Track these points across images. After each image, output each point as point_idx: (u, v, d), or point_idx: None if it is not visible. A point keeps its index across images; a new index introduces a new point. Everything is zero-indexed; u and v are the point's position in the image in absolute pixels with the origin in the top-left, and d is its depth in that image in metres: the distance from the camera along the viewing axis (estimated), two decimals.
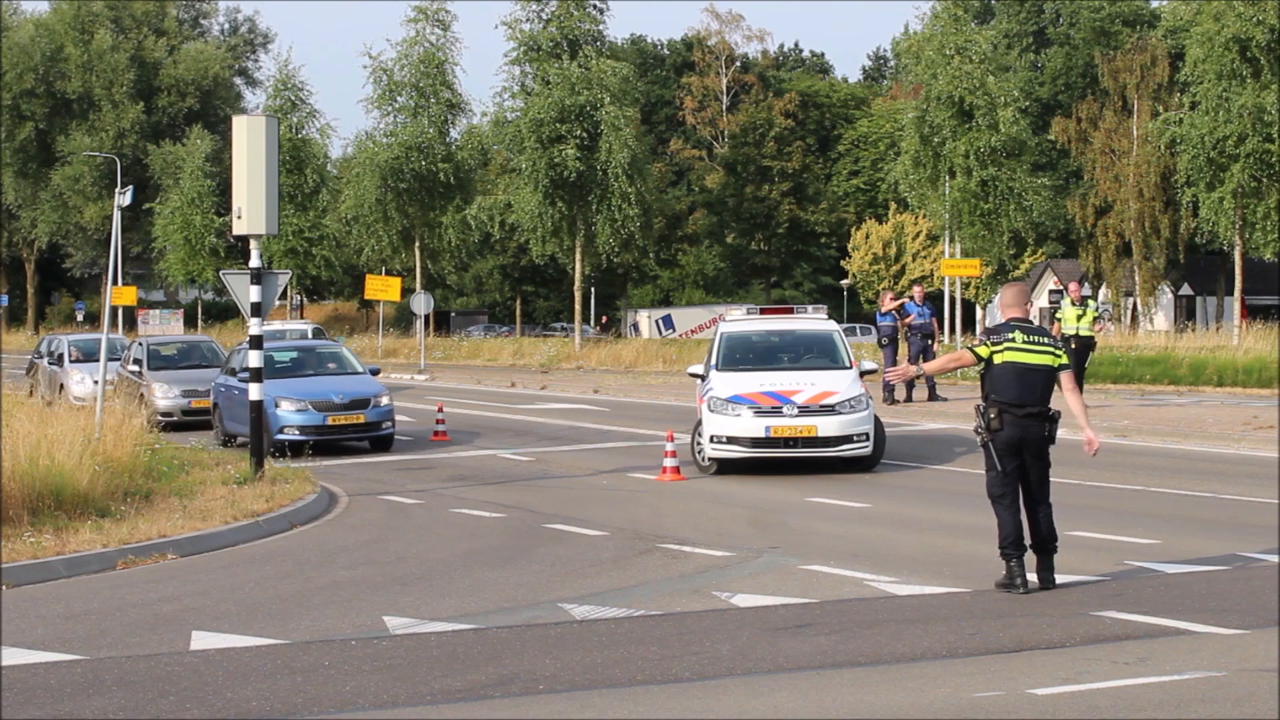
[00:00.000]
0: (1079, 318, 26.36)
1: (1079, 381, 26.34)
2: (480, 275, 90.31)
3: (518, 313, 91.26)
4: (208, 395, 27.59)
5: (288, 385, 23.12)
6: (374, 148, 58.85)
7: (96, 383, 29.71)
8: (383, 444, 23.42)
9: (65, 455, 15.21)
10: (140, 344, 30.34)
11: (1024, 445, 11.36)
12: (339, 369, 24.83)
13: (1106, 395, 30.11)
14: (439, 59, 59.54)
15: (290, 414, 22.46)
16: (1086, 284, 27.24)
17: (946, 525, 14.99)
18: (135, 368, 29.12)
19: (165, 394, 27.98)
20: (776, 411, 19.10)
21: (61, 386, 30.75)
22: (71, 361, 31.71)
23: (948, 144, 47.35)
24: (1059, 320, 26.63)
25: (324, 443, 22.69)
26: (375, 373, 24.88)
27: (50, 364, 32.91)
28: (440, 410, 26.50)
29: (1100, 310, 27.19)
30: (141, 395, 27.72)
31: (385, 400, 23.24)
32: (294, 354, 25.43)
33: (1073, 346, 26.13)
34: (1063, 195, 71.03)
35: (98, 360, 31.29)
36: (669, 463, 19.17)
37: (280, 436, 22.08)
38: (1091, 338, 26.69)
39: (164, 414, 27.41)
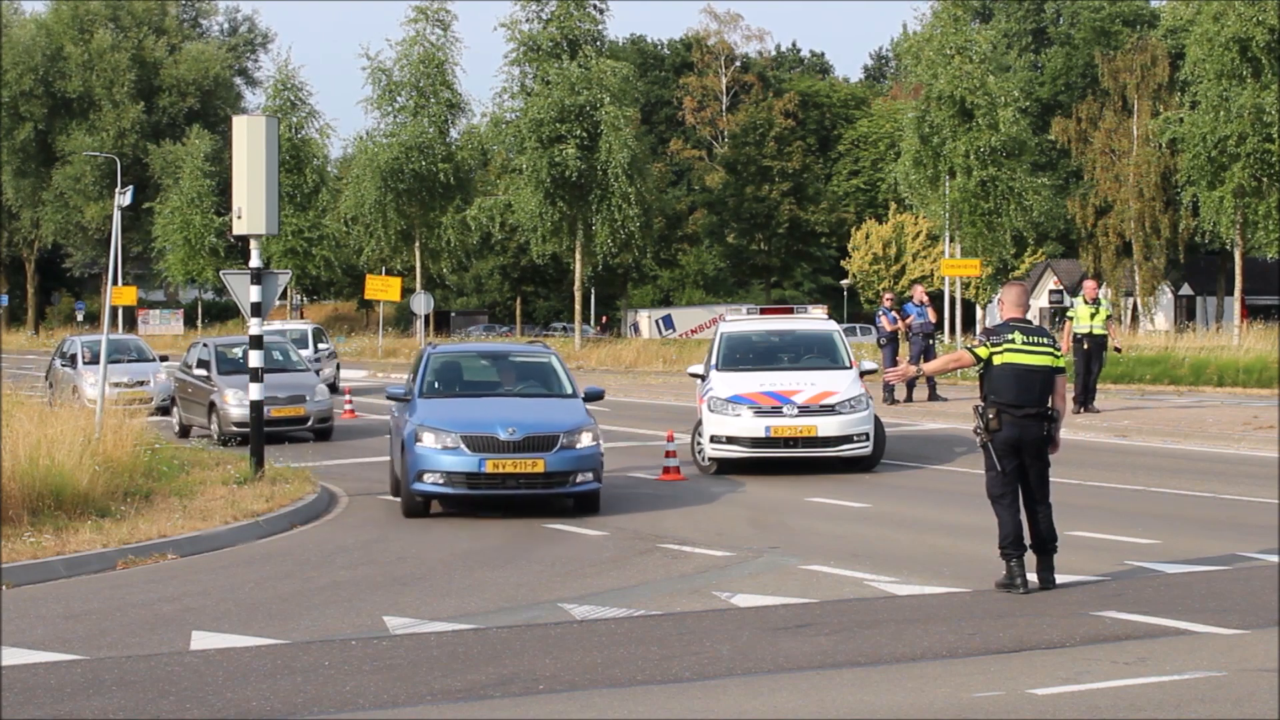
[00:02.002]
0: (1092, 316, 26.19)
1: (1092, 385, 26.51)
2: (480, 275, 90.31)
3: (518, 313, 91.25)
4: (288, 403, 24.80)
5: (446, 409, 16.53)
6: (374, 148, 58.86)
7: (115, 385, 28.95)
8: (586, 504, 16.33)
9: (65, 455, 15.21)
10: (206, 345, 27.19)
11: (1023, 445, 11.37)
12: (537, 388, 17.67)
13: (1107, 395, 30.09)
14: (439, 59, 59.58)
15: (433, 453, 15.76)
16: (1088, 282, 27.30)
17: (946, 525, 15.00)
18: (202, 371, 25.91)
19: (240, 401, 23.73)
20: (776, 411, 19.11)
21: (75, 388, 29.97)
22: (85, 363, 30.97)
23: (948, 144, 47.37)
24: (1071, 319, 26.42)
25: (484, 499, 16.14)
26: (596, 396, 17.73)
27: (63, 365, 32.33)
28: None
29: (1108, 309, 27.02)
30: (211, 403, 24.92)
31: (587, 439, 16.09)
32: (482, 362, 18.90)
33: (1085, 347, 25.99)
34: (1063, 195, 71.01)
35: (113, 361, 30.80)
36: (669, 463, 19.18)
37: (418, 486, 15.89)
38: (1105, 337, 26.53)
39: (239, 424, 23.70)
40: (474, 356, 19.36)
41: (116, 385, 29.33)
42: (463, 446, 15.73)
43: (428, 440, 15.81)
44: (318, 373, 29.15)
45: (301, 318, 62.09)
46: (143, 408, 22.92)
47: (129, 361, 32.08)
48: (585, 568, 12.91)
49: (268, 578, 12.73)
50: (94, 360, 31.03)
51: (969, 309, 64.89)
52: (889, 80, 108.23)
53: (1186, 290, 76.80)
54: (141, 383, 30.90)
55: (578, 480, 15.95)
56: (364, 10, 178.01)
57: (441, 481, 15.76)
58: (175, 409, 27.13)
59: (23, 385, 31.28)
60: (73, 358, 31.92)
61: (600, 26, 58.23)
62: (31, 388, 31.42)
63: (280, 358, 26.94)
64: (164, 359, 33.86)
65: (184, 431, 26.45)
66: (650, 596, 11.56)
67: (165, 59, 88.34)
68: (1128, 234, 67.19)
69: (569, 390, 17.46)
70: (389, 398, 17.69)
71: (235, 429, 24.05)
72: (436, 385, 17.37)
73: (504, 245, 78.34)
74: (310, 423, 25.28)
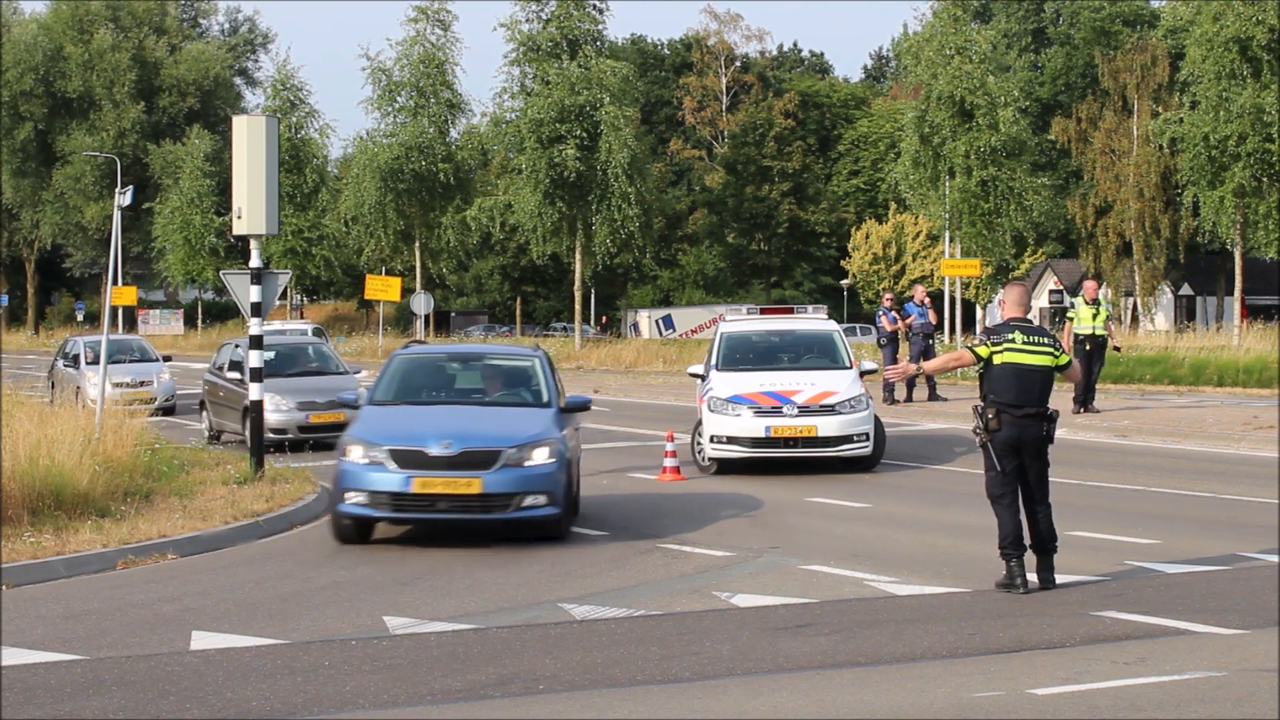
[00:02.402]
0: (1094, 316, 26.20)
1: (1092, 385, 26.52)
2: (480, 275, 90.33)
3: (518, 313, 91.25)
4: (328, 408, 22.83)
5: (389, 420, 14.61)
6: (374, 148, 58.87)
7: (118, 385, 28.77)
8: (543, 532, 14.11)
9: (65, 455, 15.21)
10: (239, 346, 24.54)
11: (1022, 445, 11.37)
12: (509, 395, 15.64)
13: (1107, 395, 30.10)
14: (439, 59, 59.58)
15: (359, 469, 13.83)
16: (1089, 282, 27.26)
17: (946, 525, 15.00)
18: (235, 374, 23.88)
19: (278, 406, 22.66)
20: (776, 411, 19.11)
21: (78, 389, 29.49)
22: (88, 363, 30.48)
23: (948, 144, 47.38)
24: (1071, 320, 26.42)
25: (421, 523, 14.47)
26: (579, 406, 15.57)
27: (65, 365, 31.96)
28: None
29: (1108, 309, 27.07)
30: (245, 408, 22.01)
31: (542, 455, 13.86)
32: (454, 365, 16.79)
33: (1087, 348, 25.97)
34: (1063, 195, 71.02)
35: (114, 362, 29.91)
36: (669, 463, 19.16)
37: (342, 508, 14.03)
38: (1106, 337, 26.58)
39: (276, 430, 22.43)
40: (444, 359, 17.07)
41: (119, 385, 29.17)
42: (389, 462, 13.67)
43: (354, 454, 13.88)
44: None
45: (301, 318, 62.12)
46: (145, 408, 22.67)
47: (131, 361, 31.93)
48: (585, 568, 12.90)
49: (268, 578, 12.72)
50: (97, 360, 30.83)
51: (969, 309, 64.91)
52: (889, 80, 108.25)
53: (1186, 290, 76.81)
54: (144, 383, 30.73)
55: (525, 504, 13.66)
56: (364, 10, 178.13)
57: (365, 502, 13.79)
58: (204, 413, 26.04)
59: (23, 385, 31.25)
60: (75, 358, 31.60)
61: (600, 26, 58.25)
62: (32, 387, 31.38)
63: (316, 359, 25.47)
64: (167, 359, 33.76)
65: (215, 436, 25.18)
66: (650, 596, 11.56)
67: (165, 59, 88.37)
68: (1128, 234, 67.21)
69: (544, 398, 15.20)
70: (339, 404, 16.35)
71: (273, 436, 22.17)
72: (393, 391, 15.39)
73: (504, 245, 78.37)
74: None
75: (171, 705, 8.42)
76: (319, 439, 22.85)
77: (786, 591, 11.59)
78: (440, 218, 60.30)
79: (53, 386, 31.72)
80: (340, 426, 20.75)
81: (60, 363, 32.89)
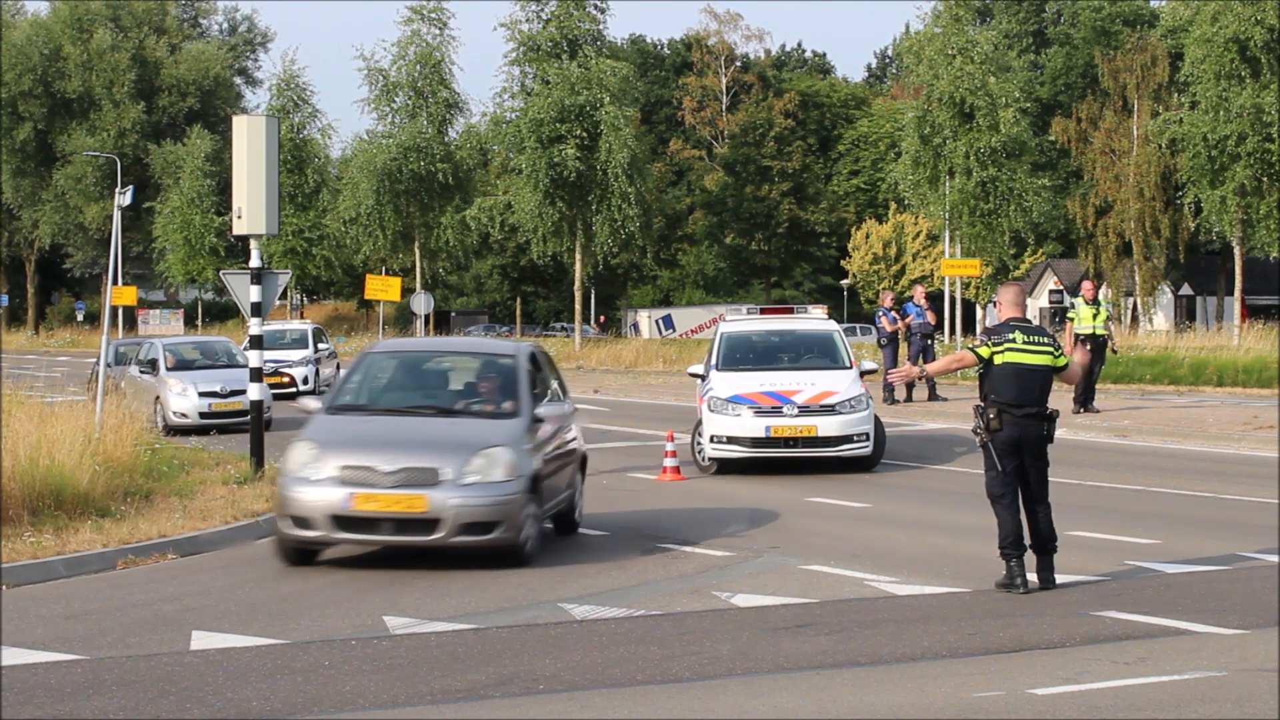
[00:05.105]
0: (1094, 316, 26.22)
1: (1092, 385, 26.54)
2: (480, 275, 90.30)
3: (518, 313, 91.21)
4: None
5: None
6: (372, 150, 58.81)
7: (206, 395, 26.32)
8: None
9: (65, 455, 15.19)
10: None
11: (1023, 445, 11.37)
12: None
13: (1107, 395, 30.10)
14: (436, 59, 59.50)
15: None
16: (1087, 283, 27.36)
17: (946, 525, 15.00)
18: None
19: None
20: (777, 411, 19.11)
21: (157, 399, 26.56)
22: (169, 369, 27.38)
23: (948, 144, 47.39)
24: (1071, 320, 26.41)
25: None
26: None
27: (141, 371, 28.15)
28: None
29: (1108, 309, 27.08)
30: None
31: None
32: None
33: (1088, 348, 25.99)
34: (1063, 195, 71.01)
35: (201, 368, 27.50)
36: (669, 463, 19.16)
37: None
38: (1106, 337, 26.61)
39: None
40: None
41: (207, 395, 26.54)
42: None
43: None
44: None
45: (301, 318, 62.10)
46: (242, 422, 20.91)
47: (219, 367, 27.96)
48: (585, 568, 12.90)
49: (268, 578, 12.72)
50: (180, 366, 27.65)
51: (969, 309, 64.91)
52: (890, 81, 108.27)
53: (1186, 290, 76.81)
54: (237, 392, 26.23)
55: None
56: (363, 10, 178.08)
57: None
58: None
59: (22, 385, 31.06)
60: (153, 363, 27.93)
61: (600, 26, 58.17)
62: (30, 387, 31.11)
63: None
64: None
65: None
66: (650, 596, 11.56)
67: (165, 59, 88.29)
68: (1128, 234, 67.19)
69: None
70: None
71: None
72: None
73: (504, 245, 78.33)
74: None
75: (171, 705, 8.42)
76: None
77: (786, 591, 11.59)
78: (439, 218, 60.26)
79: (124, 393, 25.62)
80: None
81: (134, 369, 28.74)
